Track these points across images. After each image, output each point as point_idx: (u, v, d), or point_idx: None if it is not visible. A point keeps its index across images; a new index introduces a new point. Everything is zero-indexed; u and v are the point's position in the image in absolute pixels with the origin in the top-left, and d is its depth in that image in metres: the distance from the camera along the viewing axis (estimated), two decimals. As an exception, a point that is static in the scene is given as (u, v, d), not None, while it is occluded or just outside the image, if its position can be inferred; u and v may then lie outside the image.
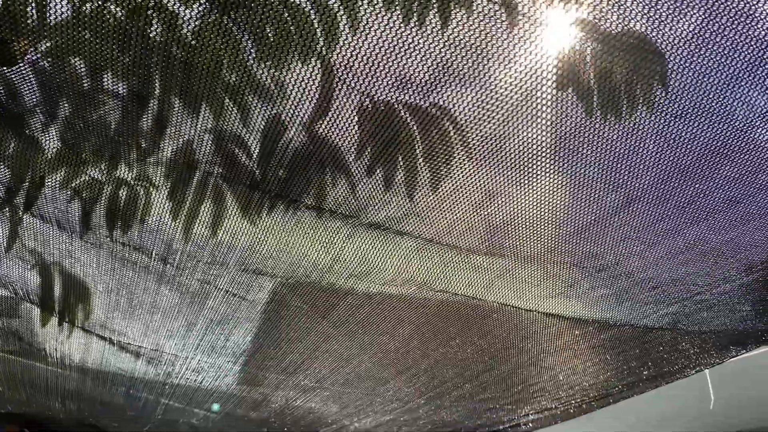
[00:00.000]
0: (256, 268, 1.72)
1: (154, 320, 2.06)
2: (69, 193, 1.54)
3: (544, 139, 1.23)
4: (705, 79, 1.08)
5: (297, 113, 1.27)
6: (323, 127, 1.29)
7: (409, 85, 1.16)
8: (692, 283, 1.54)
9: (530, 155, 1.28)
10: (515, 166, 1.30)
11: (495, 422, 2.88)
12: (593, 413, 2.77)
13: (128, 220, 1.60)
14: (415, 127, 1.26)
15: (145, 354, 2.32)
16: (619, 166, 1.26)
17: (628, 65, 1.09)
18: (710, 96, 1.11)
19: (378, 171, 1.37)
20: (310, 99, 1.22)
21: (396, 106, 1.23)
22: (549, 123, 1.19)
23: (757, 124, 1.15)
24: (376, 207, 1.44)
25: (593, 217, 1.36)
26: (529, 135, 1.23)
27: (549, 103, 1.15)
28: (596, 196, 1.32)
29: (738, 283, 1.54)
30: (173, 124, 1.33)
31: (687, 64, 1.05)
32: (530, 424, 2.96)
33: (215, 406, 2.82)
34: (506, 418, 2.80)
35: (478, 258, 1.55)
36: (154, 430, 3.45)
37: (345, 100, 1.22)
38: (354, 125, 1.28)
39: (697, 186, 1.28)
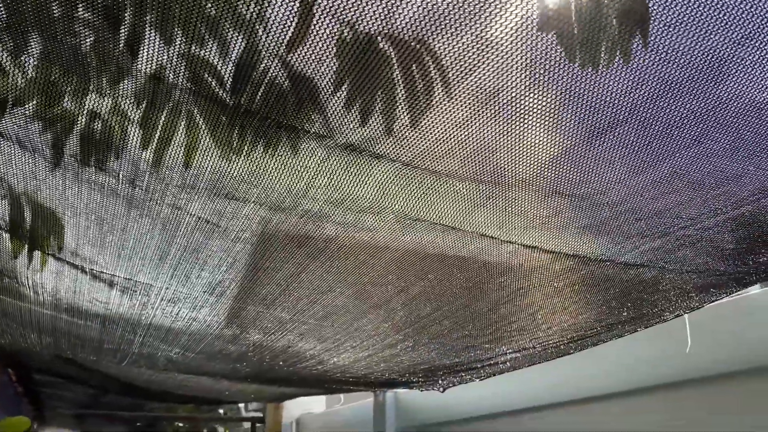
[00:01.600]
0: (229, 192, 1.66)
1: (126, 247, 2.01)
2: (37, 116, 1.47)
3: (526, 68, 1.19)
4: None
5: (273, 34, 1.21)
6: (301, 50, 1.24)
7: (391, 18, 1.11)
8: (676, 216, 1.50)
9: (510, 85, 1.23)
10: (495, 93, 1.25)
11: (473, 360, 2.89)
12: (572, 357, 2.79)
13: (97, 143, 1.54)
14: (394, 58, 1.22)
15: (119, 283, 2.28)
16: (600, 89, 1.20)
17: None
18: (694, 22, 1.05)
19: (356, 97, 1.32)
20: (287, 21, 1.17)
21: (376, 36, 1.18)
22: (530, 57, 1.16)
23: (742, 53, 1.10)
24: (352, 127, 1.38)
25: (575, 141, 1.30)
26: (511, 65, 1.19)
27: (530, 40, 1.12)
28: (577, 119, 1.26)
29: (723, 217, 1.50)
30: (143, 45, 1.26)
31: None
32: (507, 363, 2.98)
33: None
34: (484, 356, 2.80)
35: (456, 183, 1.50)
36: (132, 363, 3.45)
37: (324, 25, 1.16)
38: (332, 51, 1.23)
39: (682, 111, 1.22)
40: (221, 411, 7.09)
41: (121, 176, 1.65)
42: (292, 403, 5.76)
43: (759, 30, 1.05)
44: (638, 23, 1.12)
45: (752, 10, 1.02)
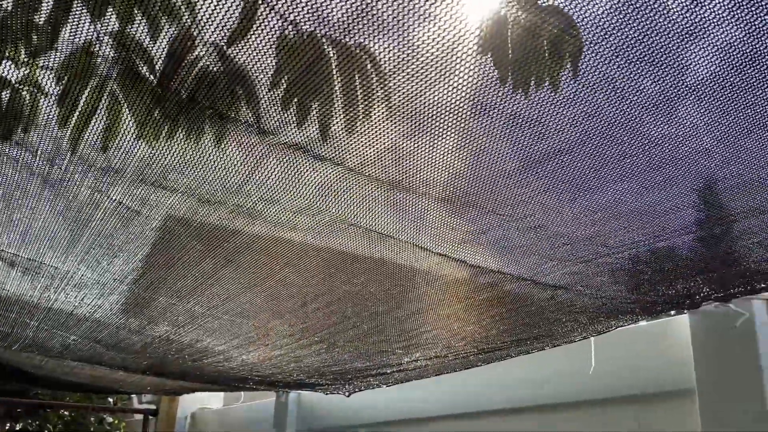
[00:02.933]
0: (156, 180, 1.59)
1: (34, 227, 1.88)
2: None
3: (461, 86, 1.21)
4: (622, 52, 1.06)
5: (212, 23, 1.17)
6: (241, 42, 1.20)
7: (334, 20, 1.10)
8: (602, 244, 1.56)
9: (446, 101, 1.24)
10: (429, 106, 1.26)
11: (383, 365, 2.90)
12: (477, 369, 2.85)
13: (9, 114, 1.43)
14: (334, 62, 1.21)
15: (21, 263, 2.14)
16: (540, 120, 1.23)
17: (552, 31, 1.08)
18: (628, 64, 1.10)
19: (293, 96, 1.30)
20: (229, 12, 1.14)
21: (320, 38, 1.17)
22: (466, 75, 1.18)
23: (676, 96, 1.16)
24: (287, 126, 1.35)
25: (505, 162, 1.33)
26: (447, 82, 1.20)
27: (467, 60, 1.14)
28: (509, 142, 1.29)
29: (643, 249, 1.58)
30: (71, 22, 1.19)
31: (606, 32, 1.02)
32: (417, 371, 3.01)
33: None
34: (395, 362, 2.82)
35: (384, 191, 1.49)
36: (23, 348, 3.24)
37: (266, 20, 1.14)
38: (273, 47, 1.20)
39: (614, 145, 1.27)
40: (111, 400, 6.78)
41: (39, 153, 1.54)
42: (189, 396, 5.59)
43: (686, 79, 1.10)
44: (571, 54, 1.16)
45: (679, 60, 1.07)
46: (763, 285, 1.84)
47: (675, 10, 0.98)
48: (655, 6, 0.98)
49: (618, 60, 1.10)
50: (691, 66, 1.09)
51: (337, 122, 1.32)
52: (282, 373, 3.24)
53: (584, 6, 1.02)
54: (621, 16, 1.02)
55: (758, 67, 1.05)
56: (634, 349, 2.40)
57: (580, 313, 2.16)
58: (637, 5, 0.99)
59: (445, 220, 1.59)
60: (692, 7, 0.96)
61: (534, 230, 1.56)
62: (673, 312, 2.24)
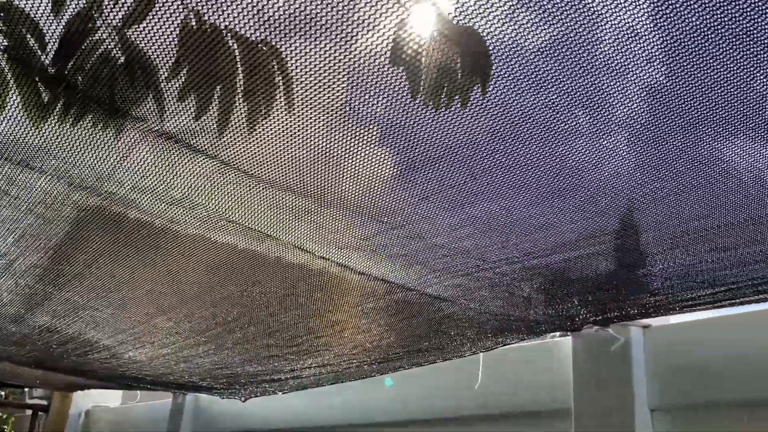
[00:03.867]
0: (24, 159, 1.50)
1: None
2: None
3: (368, 94, 1.19)
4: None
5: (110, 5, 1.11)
6: (140, 27, 1.15)
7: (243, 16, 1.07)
8: (478, 258, 1.56)
9: (346, 106, 1.22)
10: (330, 110, 1.23)
11: (276, 371, 2.84)
12: (371, 380, 2.83)
13: None
14: (238, 57, 1.17)
15: None
16: (430, 127, 1.22)
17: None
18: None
19: (190, 88, 1.25)
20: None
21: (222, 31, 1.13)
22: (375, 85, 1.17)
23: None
24: (177, 117, 1.30)
25: (395, 172, 1.32)
26: (353, 88, 1.18)
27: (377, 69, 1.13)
28: (402, 151, 1.28)
29: (519, 266, 1.59)
30: None
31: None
32: (311, 378, 2.97)
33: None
34: (287, 368, 2.77)
35: (277, 193, 1.46)
36: None
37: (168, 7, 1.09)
38: (174, 36, 1.16)
39: (502, 162, 1.28)
40: (2, 393, 6.42)
41: None
42: (84, 393, 5.35)
43: (579, 104, 1.12)
44: (480, 75, 1.16)
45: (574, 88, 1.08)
46: (636, 311, 1.89)
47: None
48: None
49: (522, 86, 1.10)
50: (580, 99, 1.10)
51: (223, 117, 1.28)
52: (173, 374, 3.13)
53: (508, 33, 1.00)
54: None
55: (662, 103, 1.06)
56: (520, 367, 2.43)
57: (468, 328, 2.18)
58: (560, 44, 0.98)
59: (327, 224, 1.56)
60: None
61: (414, 240, 1.55)
62: (558, 333, 2.28)
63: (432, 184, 1.36)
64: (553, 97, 1.13)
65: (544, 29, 0.99)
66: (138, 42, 1.19)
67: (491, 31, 1.03)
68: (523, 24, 0.99)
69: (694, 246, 1.47)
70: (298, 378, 2.99)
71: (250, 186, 1.47)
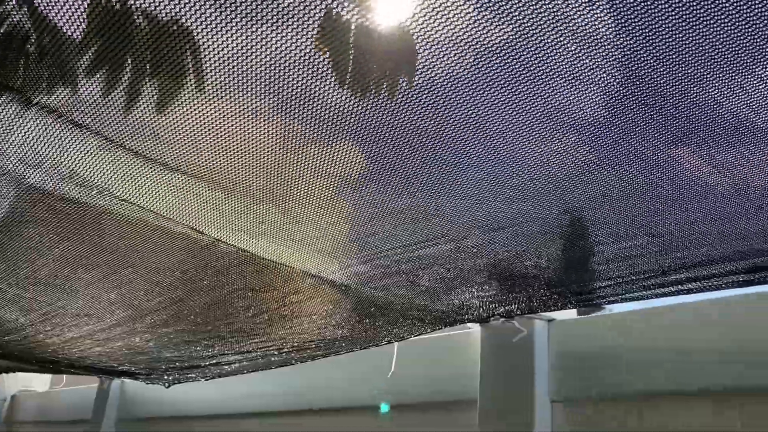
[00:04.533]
0: None
1: None
2: None
3: (294, 81, 1.17)
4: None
5: None
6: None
7: None
8: (376, 245, 1.57)
9: (271, 92, 1.20)
10: (250, 93, 1.21)
11: (195, 357, 2.81)
12: (297, 368, 2.82)
13: None
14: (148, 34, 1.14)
15: None
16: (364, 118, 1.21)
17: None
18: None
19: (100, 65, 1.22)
20: None
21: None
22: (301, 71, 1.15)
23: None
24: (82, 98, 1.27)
25: (317, 160, 1.30)
26: (275, 73, 1.16)
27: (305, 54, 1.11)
28: (327, 140, 1.27)
29: (416, 253, 1.60)
30: None
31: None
32: (233, 366, 2.94)
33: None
34: (206, 354, 2.74)
35: (194, 180, 1.43)
36: None
37: None
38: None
39: (417, 152, 1.28)
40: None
41: None
42: (11, 377, 5.21)
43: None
44: (405, 64, 1.15)
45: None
46: (541, 304, 1.92)
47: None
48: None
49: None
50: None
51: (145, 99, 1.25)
52: (90, 357, 3.06)
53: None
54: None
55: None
56: (432, 357, 2.45)
57: (378, 317, 2.18)
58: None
59: (223, 205, 1.54)
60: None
61: (310, 224, 1.54)
62: (470, 325, 2.30)
63: (339, 169, 1.35)
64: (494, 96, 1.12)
65: (492, 28, 0.98)
66: (39, 15, 1.15)
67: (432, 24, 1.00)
68: (468, 21, 0.98)
69: (600, 246, 1.50)
70: (219, 365, 2.96)
71: (147, 165, 1.44)
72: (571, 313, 2.11)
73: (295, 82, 1.17)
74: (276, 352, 2.65)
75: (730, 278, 1.46)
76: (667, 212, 1.32)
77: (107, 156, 1.42)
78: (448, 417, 2.33)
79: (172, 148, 1.39)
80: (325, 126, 1.27)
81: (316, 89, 1.20)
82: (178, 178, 1.48)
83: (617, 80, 1.02)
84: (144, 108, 1.29)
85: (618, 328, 2.00)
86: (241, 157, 1.38)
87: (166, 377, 3.39)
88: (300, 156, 1.35)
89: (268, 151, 1.36)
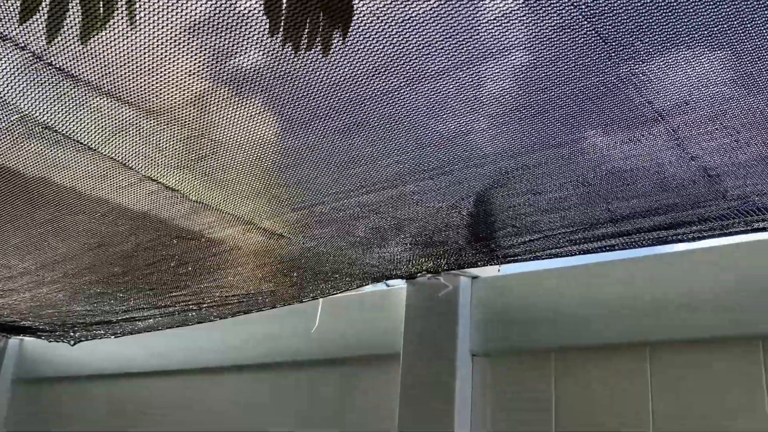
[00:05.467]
0: None
1: None
2: None
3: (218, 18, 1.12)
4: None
5: None
6: None
7: None
8: (316, 192, 1.55)
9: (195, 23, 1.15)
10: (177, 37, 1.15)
11: (106, 312, 2.70)
12: (209, 324, 2.77)
13: None
14: None
15: None
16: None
17: None
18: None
19: None
20: None
21: None
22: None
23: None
24: None
25: (232, 93, 1.26)
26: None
27: None
28: (239, 80, 1.23)
29: (354, 199, 1.60)
30: None
31: None
32: (148, 322, 2.85)
33: None
34: (118, 308, 2.64)
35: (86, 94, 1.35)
36: None
37: None
38: None
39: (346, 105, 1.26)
40: None
41: None
42: None
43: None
44: (341, 16, 1.13)
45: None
46: (467, 260, 1.97)
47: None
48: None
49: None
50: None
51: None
52: (-12, 310, 2.88)
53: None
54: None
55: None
56: (356, 313, 2.47)
57: (307, 270, 2.17)
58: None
59: (148, 133, 1.46)
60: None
61: (251, 166, 1.51)
62: (396, 281, 2.34)
63: (271, 109, 1.32)
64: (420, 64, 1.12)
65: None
66: None
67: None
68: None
69: (525, 208, 1.55)
70: (132, 321, 2.86)
71: (65, 86, 1.35)
72: (494, 270, 2.18)
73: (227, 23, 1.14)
74: (195, 308, 2.59)
75: (652, 234, 1.55)
76: (595, 162, 1.37)
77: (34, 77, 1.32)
78: (371, 371, 2.36)
79: (91, 63, 1.31)
80: (255, 68, 1.24)
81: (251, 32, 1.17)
82: (99, 100, 1.40)
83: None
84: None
85: (537, 286, 2.08)
86: (170, 83, 1.32)
87: (72, 334, 3.24)
88: (230, 93, 1.32)
89: (196, 83, 1.31)
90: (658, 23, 0.94)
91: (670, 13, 0.92)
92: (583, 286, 1.99)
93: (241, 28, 1.15)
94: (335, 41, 1.16)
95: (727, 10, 0.90)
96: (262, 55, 1.21)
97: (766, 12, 0.89)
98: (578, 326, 1.95)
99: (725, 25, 0.93)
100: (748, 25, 0.92)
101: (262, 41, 1.18)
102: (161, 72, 1.28)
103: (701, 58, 1.02)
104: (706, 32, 0.95)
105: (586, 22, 0.96)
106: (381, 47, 1.11)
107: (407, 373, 2.17)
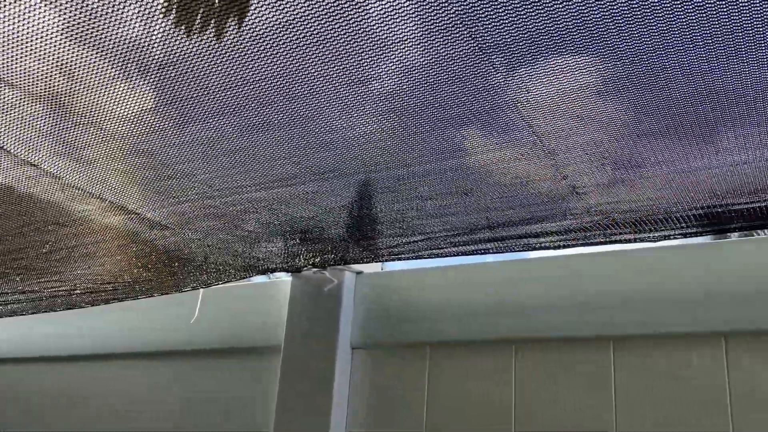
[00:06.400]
0: None
1: None
2: None
3: None
4: None
5: None
6: None
7: None
8: (204, 184, 1.54)
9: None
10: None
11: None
12: (84, 311, 2.66)
13: None
14: None
15: None
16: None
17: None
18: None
19: None
20: None
21: None
22: None
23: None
24: None
25: (116, 77, 1.23)
26: None
27: None
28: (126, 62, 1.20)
29: (245, 197, 1.60)
30: None
31: None
32: (14, 306, 2.69)
33: None
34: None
35: None
36: None
37: None
38: None
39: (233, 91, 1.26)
40: None
41: None
42: None
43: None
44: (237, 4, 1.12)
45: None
46: (352, 256, 2.03)
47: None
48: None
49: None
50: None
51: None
52: None
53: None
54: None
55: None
56: (239, 305, 2.47)
57: (190, 261, 2.14)
58: None
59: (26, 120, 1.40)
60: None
61: (136, 155, 1.47)
62: (282, 273, 2.36)
63: (163, 98, 1.30)
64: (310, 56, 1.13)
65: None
66: None
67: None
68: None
69: (408, 203, 1.62)
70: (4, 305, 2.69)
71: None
72: (378, 266, 2.25)
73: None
74: (65, 294, 2.48)
75: (522, 240, 1.68)
76: (478, 175, 1.47)
77: None
78: (250, 363, 2.37)
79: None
80: (144, 50, 1.22)
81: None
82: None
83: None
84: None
85: (418, 283, 2.18)
86: (47, 60, 1.27)
87: None
88: (116, 78, 1.29)
89: (76, 63, 1.27)
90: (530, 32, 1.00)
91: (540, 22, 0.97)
92: (460, 286, 2.10)
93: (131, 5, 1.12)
94: (230, 28, 1.16)
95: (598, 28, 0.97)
96: (157, 42, 1.19)
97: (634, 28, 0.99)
98: (453, 323, 2.06)
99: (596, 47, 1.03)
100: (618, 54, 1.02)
101: (155, 24, 1.16)
102: (34, 48, 1.22)
103: (570, 75, 1.13)
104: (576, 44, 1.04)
105: (462, 27, 1.01)
106: (277, 40, 1.11)
107: (287, 366, 2.20)
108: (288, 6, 1.04)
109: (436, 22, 1.01)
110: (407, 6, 0.98)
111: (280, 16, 1.08)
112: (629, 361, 1.79)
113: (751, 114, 1.14)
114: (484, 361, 2.00)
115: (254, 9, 1.09)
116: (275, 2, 1.04)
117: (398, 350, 2.16)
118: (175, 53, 1.19)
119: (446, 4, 0.97)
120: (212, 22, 1.19)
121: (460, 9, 0.97)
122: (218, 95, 1.27)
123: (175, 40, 1.17)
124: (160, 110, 1.34)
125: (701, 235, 1.56)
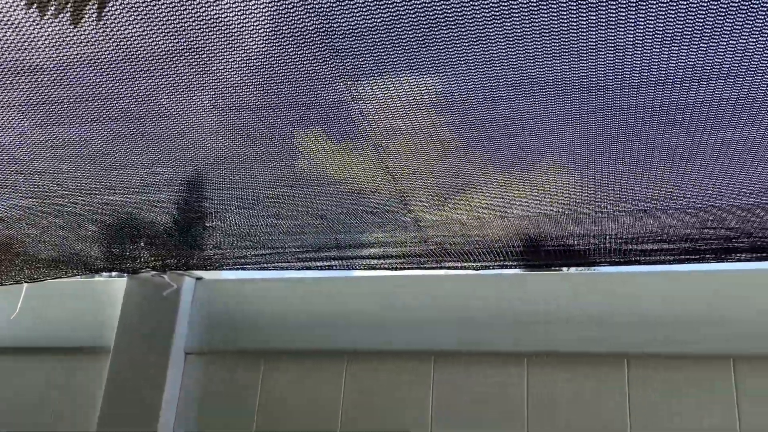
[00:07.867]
0: None
1: None
2: None
3: None
4: None
5: None
6: None
7: None
8: (56, 183, 1.51)
9: None
10: None
11: None
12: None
13: None
14: None
15: None
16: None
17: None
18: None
19: None
20: None
21: None
22: None
23: None
24: None
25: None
26: None
27: None
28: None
29: (97, 198, 1.59)
30: None
31: None
32: None
33: None
34: None
35: None
36: None
37: None
38: None
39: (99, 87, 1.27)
40: None
41: None
42: None
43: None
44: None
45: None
46: (194, 262, 2.05)
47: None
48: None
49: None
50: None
51: None
52: None
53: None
54: None
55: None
56: (69, 302, 2.37)
57: (15, 255, 2.03)
58: None
59: None
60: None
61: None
62: (114, 273, 2.30)
63: (25, 91, 1.27)
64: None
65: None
66: None
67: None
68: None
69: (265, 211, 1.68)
70: None
71: None
72: (219, 273, 2.29)
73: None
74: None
75: (366, 260, 1.84)
76: (333, 200, 1.59)
77: None
78: (75, 363, 2.28)
79: None
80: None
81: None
82: None
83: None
84: None
85: (258, 291, 2.24)
86: None
87: None
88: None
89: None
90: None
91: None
92: (299, 297, 2.20)
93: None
94: (88, 15, 1.14)
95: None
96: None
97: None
98: (289, 332, 2.15)
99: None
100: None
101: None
102: None
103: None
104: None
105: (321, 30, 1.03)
106: (136, 30, 1.09)
107: (116, 368, 2.16)
108: None
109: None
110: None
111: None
112: (447, 374, 2.00)
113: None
114: (315, 369, 2.10)
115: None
116: None
117: (233, 357, 2.19)
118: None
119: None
120: (69, 5, 1.17)
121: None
122: (66, 84, 1.23)
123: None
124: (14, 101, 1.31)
125: (517, 267, 1.82)
